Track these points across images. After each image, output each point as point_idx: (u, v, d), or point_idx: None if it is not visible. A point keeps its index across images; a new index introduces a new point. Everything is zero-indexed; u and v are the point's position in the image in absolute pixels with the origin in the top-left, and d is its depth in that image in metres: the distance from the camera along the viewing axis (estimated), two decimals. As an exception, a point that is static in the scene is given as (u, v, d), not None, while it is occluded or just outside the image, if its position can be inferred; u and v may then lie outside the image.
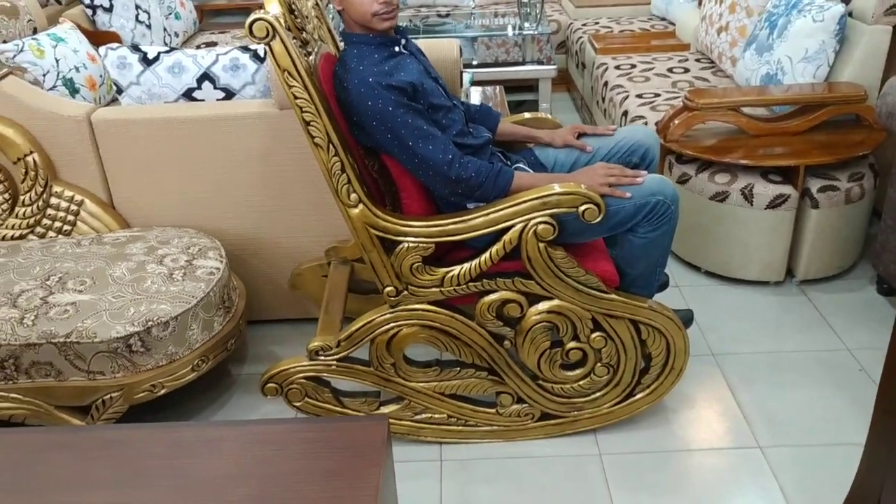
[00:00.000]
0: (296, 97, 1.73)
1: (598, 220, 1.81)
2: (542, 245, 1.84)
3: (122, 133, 2.33)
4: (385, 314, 1.97)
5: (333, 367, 2.03)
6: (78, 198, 2.38)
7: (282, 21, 1.71)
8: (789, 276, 2.78)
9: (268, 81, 2.37)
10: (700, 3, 4.02)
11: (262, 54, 2.35)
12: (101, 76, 3.24)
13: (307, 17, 2.00)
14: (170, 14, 4.32)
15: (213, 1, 5.29)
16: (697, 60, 3.69)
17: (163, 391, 2.02)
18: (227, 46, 2.41)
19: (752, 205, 2.62)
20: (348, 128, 1.90)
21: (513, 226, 1.83)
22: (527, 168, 2.05)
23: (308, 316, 2.64)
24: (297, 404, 2.08)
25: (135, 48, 2.36)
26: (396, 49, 1.93)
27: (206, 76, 2.34)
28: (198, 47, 4.40)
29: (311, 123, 1.76)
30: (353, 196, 1.83)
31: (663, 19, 4.53)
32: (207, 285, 2.09)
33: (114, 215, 2.43)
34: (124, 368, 1.97)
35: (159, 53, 2.35)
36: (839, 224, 2.66)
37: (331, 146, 1.78)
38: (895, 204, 2.50)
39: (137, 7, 3.93)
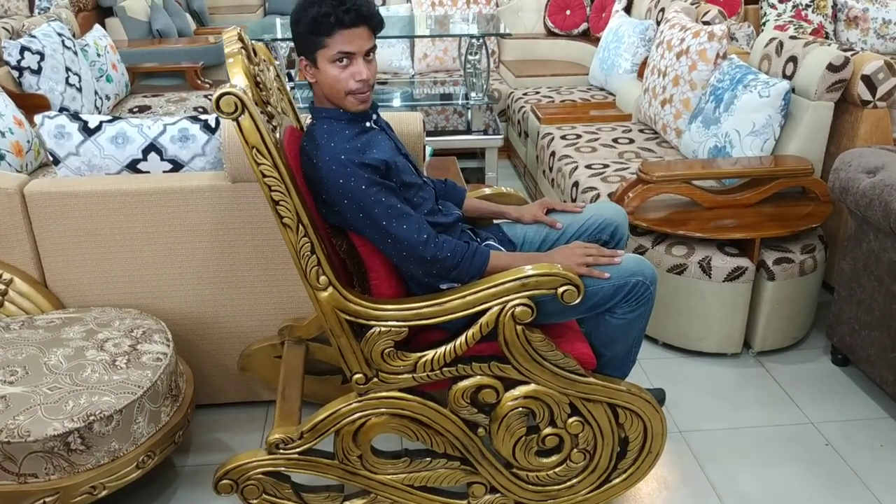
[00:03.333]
0: (265, 175, 1.63)
1: (577, 301, 1.75)
2: (519, 328, 1.76)
3: (59, 207, 2.17)
4: (352, 403, 1.84)
5: (294, 460, 1.88)
6: (6, 276, 2.19)
7: (249, 94, 1.62)
8: (746, 347, 2.78)
9: (219, 153, 2.25)
10: (640, 75, 4.11)
11: (212, 125, 2.24)
12: (28, 142, 3.06)
13: (270, 90, 1.91)
14: (101, 76, 4.16)
15: (144, 63, 5.13)
16: (641, 131, 3.74)
17: (104, 493, 1.82)
18: (176, 116, 2.29)
19: (710, 277, 2.62)
20: (315, 205, 1.80)
21: (490, 308, 1.75)
22: (497, 246, 1.98)
23: (257, 399, 2.48)
24: (254, 502, 1.92)
25: (75, 116, 2.21)
26: (368, 125, 1.86)
27: (152, 147, 2.21)
28: (130, 111, 4.24)
29: (281, 203, 1.65)
30: (323, 279, 1.72)
31: (602, 89, 4.62)
32: (154, 373, 1.93)
33: (46, 295, 2.24)
34: (61, 469, 1.77)
35: (101, 123, 2.20)
36: (793, 295, 2.68)
37: (300, 226, 1.67)
38: (848, 276, 2.54)
39: (68, 69, 3.76)
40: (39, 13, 5.03)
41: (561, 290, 1.74)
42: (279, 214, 1.67)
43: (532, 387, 1.84)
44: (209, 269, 2.27)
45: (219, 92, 1.56)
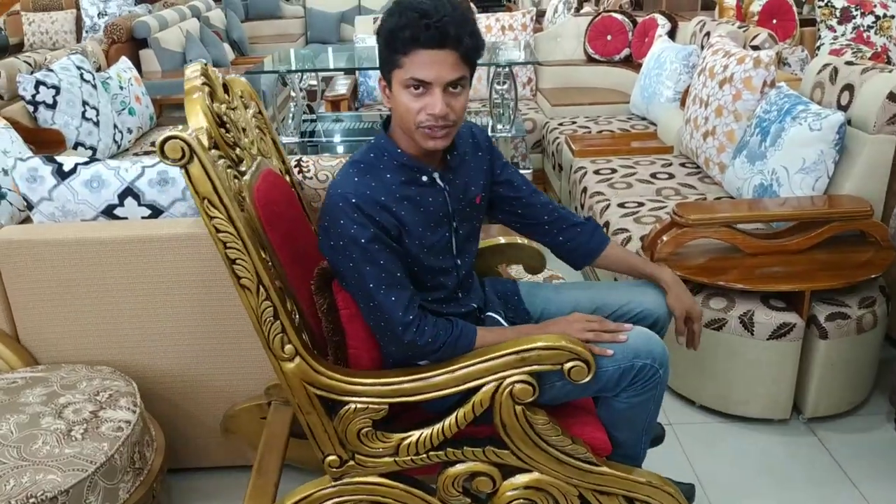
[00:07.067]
0: (218, 230, 1.43)
1: (587, 380, 1.50)
2: (519, 408, 1.52)
3: (30, 256, 2.01)
4: (326, 488, 1.63)
5: (261, 548, 1.67)
6: (-26, 330, 2.04)
7: (203, 139, 1.42)
8: (795, 412, 2.46)
9: (201, 197, 2.07)
10: (683, 104, 3.83)
11: (194, 167, 2.06)
12: (31, 180, 2.94)
13: (244, 130, 1.71)
14: (123, 109, 4.07)
15: (175, 95, 5.06)
16: (682, 165, 3.46)
17: (47, 584, 1.63)
18: (156, 157, 2.12)
19: (752, 334, 2.32)
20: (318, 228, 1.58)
21: (484, 385, 1.52)
22: (498, 318, 1.72)
23: (245, 463, 2.26)
24: None
25: (49, 159, 2.06)
26: (424, 179, 1.57)
27: (129, 191, 2.04)
28: (152, 144, 4.14)
29: (237, 262, 1.45)
30: (289, 348, 1.51)
31: (643, 119, 4.34)
32: (112, 445, 1.73)
33: (17, 350, 2.08)
34: (-3, 558, 1.59)
35: (76, 165, 2.04)
36: (850, 356, 2.36)
37: (261, 288, 1.47)
38: (914, 335, 2.22)
39: (85, 103, 3.66)
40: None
41: (568, 365, 1.50)
42: (236, 275, 1.48)
43: (534, 476, 1.61)
44: (190, 323, 2.08)
45: (163, 136, 1.38)
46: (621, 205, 3.05)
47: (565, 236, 1.79)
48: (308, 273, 1.64)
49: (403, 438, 1.57)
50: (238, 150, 1.65)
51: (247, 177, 1.64)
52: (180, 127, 1.43)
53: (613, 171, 3.45)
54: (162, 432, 2.01)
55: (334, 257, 1.54)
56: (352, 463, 1.59)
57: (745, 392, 2.41)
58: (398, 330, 1.51)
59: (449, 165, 1.60)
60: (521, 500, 1.61)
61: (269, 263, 1.53)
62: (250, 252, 1.46)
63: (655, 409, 1.64)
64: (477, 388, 1.53)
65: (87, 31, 7.14)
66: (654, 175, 3.35)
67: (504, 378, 1.52)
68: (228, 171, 1.55)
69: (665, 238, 2.51)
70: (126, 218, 2.07)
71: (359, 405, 1.55)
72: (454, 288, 1.67)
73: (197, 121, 1.49)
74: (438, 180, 1.59)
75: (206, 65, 1.68)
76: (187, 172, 1.41)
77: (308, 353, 1.53)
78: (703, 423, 2.46)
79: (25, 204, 2.08)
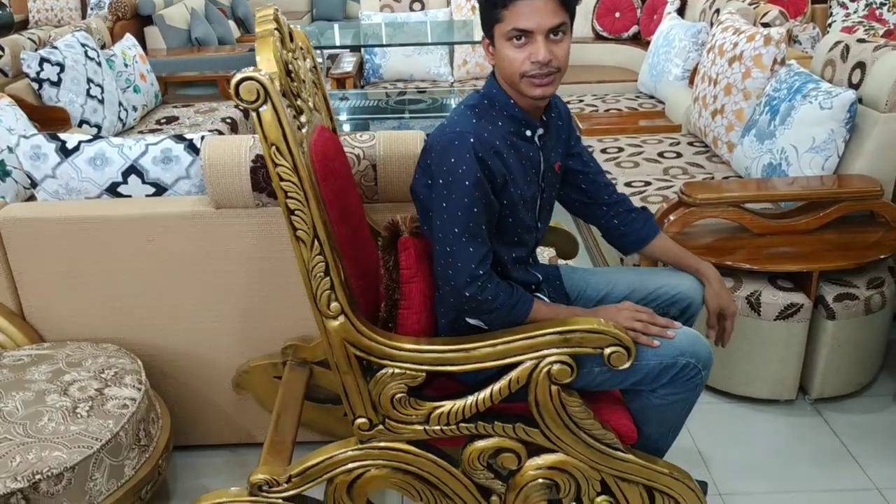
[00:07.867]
0: (282, 178, 1.41)
1: (626, 366, 1.51)
2: (554, 388, 1.53)
3: (35, 233, 2.00)
4: (351, 450, 1.64)
5: (279, 505, 1.67)
6: (-21, 308, 2.04)
7: (276, 82, 1.41)
8: (801, 393, 2.45)
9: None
10: (691, 82, 3.79)
11: (197, 145, 2.05)
12: (36, 158, 2.93)
13: (304, 82, 1.69)
14: (128, 87, 4.04)
15: (180, 72, 5.03)
16: (690, 144, 3.42)
17: (53, 560, 1.64)
18: (160, 135, 2.11)
19: (759, 315, 2.31)
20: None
21: (523, 362, 1.53)
22: (544, 298, 1.72)
23: (251, 441, 2.28)
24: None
25: (52, 136, 2.05)
26: (528, 133, 1.60)
27: (132, 169, 2.03)
28: (158, 122, 4.12)
29: (296, 212, 1.43)
30: (335, 305, 1.50)
31: (651, 97, 4.30)
32: (117, 423, 1.74)
33: (23, 327, 2.08)
34: (3, 534, 1.60)
35: (80, 143, 2.04)
36: (858, 337, 2.34)
37: (316, 242, 1.45)
38: (922, 316, 2.20)
39: (90, 81, 3.64)
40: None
41: (608, 350, 1.51)
42: (293, 226, 1.45)
43: (559, 456, 1.62)
44: (195, 301, 2.08)
45: (240, 76, 1.35)
46: (628, 184, 3.03)
47: (620, 220, 1.82)
48: (352, 233, 1.63)
49: (436, 407, 1.58)
50: (300, 102, 1.63)
51: (305, 129, 1.62)
52: (252, 68, 1.38)
53: (620, 149, 3.42)
54: (167, 410, 2.01)
55: (428, 195, 1.55)
56: (381, 427, 1.60)
57: (751, 373, 2.40)
58: (465, 281, 1.51)
59: (547, 125, 1.64)
60: (543, 480, 1.62)
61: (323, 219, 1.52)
62: (310, 204, 1.44)
63: (688, 410, 1.65)
64: (515, 365, 1.54)
65: (91, 8, 7.07)
66: (661, 154, 3.33)
67: (544, 357, 1.52)
68: (294, 119, 1.53)
69: (672, 217, 2.49)
70: (130, 196, 2.07)
71: (396, 370, 1.55)
72: (531, 249, 1.71)
73: (268, 66, 1.45)
74: (536, 139, 1.62)
75: (276, 9, 1.64)
76: (258, 116, 1.38)
77: (353, 312, 1.53)
78: (708, 404, 2.45)
79: (29, 181, 2.07)
